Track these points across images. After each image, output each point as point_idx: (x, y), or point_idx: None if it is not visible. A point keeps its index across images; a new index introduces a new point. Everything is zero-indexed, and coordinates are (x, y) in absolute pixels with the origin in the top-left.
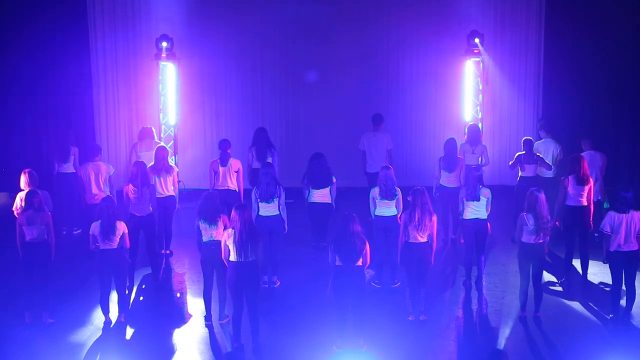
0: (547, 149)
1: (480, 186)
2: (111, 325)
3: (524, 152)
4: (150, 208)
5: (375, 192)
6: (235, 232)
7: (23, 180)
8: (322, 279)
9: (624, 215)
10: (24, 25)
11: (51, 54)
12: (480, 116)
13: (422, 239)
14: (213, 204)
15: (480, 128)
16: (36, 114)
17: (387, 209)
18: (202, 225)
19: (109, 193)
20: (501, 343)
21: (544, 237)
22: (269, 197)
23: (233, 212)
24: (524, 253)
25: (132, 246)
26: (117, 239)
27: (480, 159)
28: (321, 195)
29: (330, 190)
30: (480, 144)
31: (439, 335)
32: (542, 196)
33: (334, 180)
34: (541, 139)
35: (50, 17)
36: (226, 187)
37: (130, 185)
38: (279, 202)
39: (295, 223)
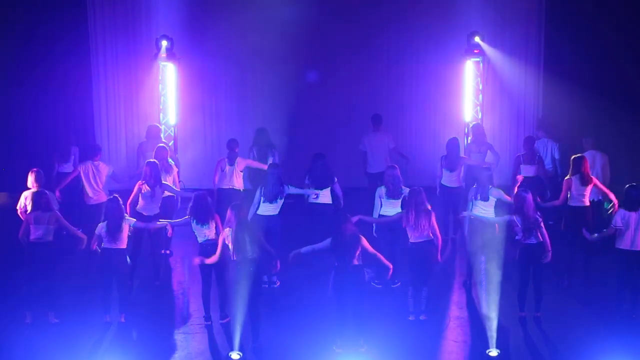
0: (546, 149)
1: (490, 186)
2: (111, 326)
3: (523, 152)
4: (158, 209)
5: (382, 191)
6: (232, 232)
7: (30, 179)
8: (322, 278)
9: (634, 213)
10: (24, 25)
11: (52, 54)
12: (480, 116)
13: (421, 238)
14: (205, 204)
15: None
16: (36, 113)
17: (392, 208)
18: (195, 227)
19: (107, 193)
20: (501, 343)
21: (530, 237)
22: (274, 197)
23: (229, 212)
24: (524, 254)
25: (135, 246)
26: (124, 239)
27: (485, 157)
28: (322, 196)
29: (334, 190)
30: (486, 143)
31: (439, 335)
32: (529, 197)
33: (336, 180)
34: (540, 138)
35: (51, 17)
36: (231, 187)
37: (145, 185)
38: (281, 203)
39: (296, 223)
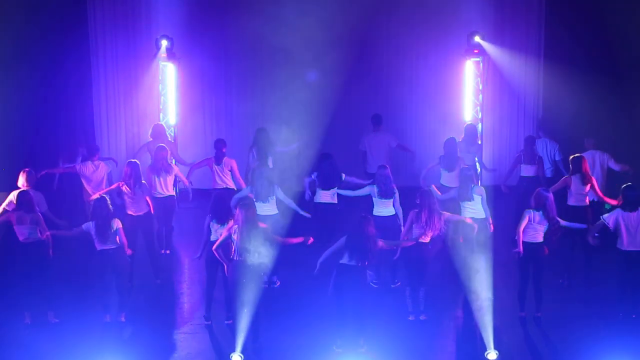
0: (545, 149)
1: (473, 185)
2: (111, 325)
3: (524, 152)
4: (150, 206)
5: (374, 190)
6: (238, 230)
7: (21, 179)
8: (322, 278)
9: (634, 213)
10: (25, 25)
11: (51, 54)
12: (480, 116)
13: (426, 239)
14: (225, 204)
15: (480, 128)
16: (36, 114)
17: (384, 208)
18: (214, 226)
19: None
20: (501, 343)
21: (550, 237)
22: (265, 197)
23: (237, 211)
24: (524, 253)
25: (130, 246)
26: (117, 238)
27: (475, 158)
28: (328, 196)
29: (350, 181)
30: (476, 144)
31: (439, 335)
32: (551, 196)
33: (344, 177)
34: (540, 138)
35: (52, 17)
36: (224, 186)
37: (125, 186)
38: (275, 201)
39: (296, 223)
